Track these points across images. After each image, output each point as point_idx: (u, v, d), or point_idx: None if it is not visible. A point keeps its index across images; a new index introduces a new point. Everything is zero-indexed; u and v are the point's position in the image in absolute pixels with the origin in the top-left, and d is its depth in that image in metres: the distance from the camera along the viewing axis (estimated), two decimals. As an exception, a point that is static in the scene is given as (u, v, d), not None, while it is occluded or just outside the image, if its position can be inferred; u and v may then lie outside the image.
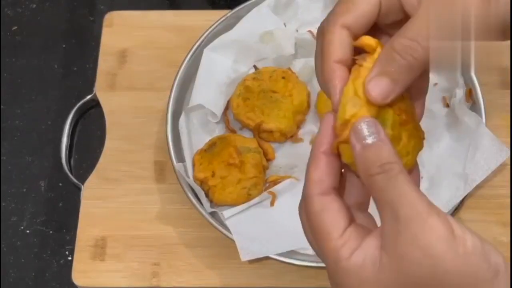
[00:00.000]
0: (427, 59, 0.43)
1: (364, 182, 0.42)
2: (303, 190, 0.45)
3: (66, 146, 0.85)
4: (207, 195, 0.78)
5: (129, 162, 0.84)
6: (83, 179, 0.83)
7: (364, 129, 0.41)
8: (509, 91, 0.85)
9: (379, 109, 0.44)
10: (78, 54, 0.93)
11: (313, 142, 0.46)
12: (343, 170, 0.46)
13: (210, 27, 0.86)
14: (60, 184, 0.85)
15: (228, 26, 0.86)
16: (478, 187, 0.76)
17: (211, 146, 0.80)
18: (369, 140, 0.41)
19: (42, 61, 0.93)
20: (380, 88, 0.43)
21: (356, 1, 0.45)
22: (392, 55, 0.43)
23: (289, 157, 0.82)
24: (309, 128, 0.83)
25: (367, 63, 0.44)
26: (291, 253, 0.74)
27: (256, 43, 0.85)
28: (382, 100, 0.43)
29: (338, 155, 0.45)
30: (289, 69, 0.85)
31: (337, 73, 0.45)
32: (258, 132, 0.81)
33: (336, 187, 0.45)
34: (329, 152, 0.44)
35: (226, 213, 0.77)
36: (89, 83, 0.89)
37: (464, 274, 0.39)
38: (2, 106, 0.90)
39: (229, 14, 0.87)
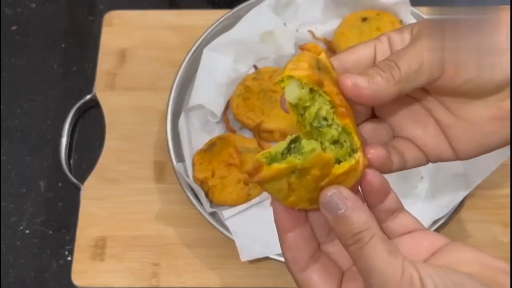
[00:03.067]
0: (403, 88, 0.43)
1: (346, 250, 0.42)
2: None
3: (66, 146, 0.85)
4: (207, 195, 0.78)
5: (129, 162, 0.84)
6: (82, 179, 0.82)
7: (332, 201, 0.41)
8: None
9: (318, 84, 0.42)
10: (78, 54, 0.93)
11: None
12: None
13: (210, 26, 0.86)
14: (60, 184, 0.85)
15: (228, 25, 0.86)
16: (478, 187, 0.76)
17: (211, 146, 0.80)
18: (339, 211, 0.41)
19: (42, 60, 0.93)
20: (355, 79, 0.43)
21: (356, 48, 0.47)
22: (373, 68, 0.44)
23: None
24: (309, 128, 0.83)
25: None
26: (291, 253, 0.74)
27: (256, 43, 0.85)
28: (352, 87, 0.43)
29: (307, 224, 0.45)
30: (289, 69, 0.85)
31: None
32: (258, 132, 0.81)
33: (316, 248, 0.45)
34: (293, 229, 0.44)
35: (226, 213, 0.76)
36: (88, 83, 0.89)
37: None
38: (1, 106, 0.89)
39: (229, 14, 0.87)
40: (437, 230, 0.75)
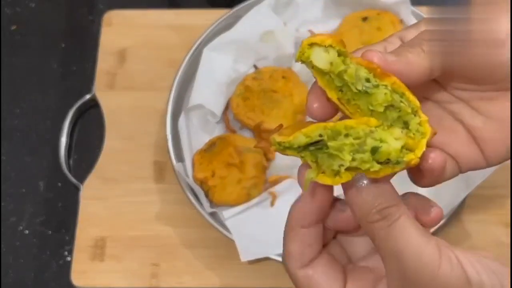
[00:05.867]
0: (431, 63, 0.40)
1: (363, 228, 0.38)
2: (283, 260, 0.41)
3: (65, 146, 0.84)
4: (207, 195, 0.78)
5: (129, 162, 0.83)
6: (82, 179, 0.82)
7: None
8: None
9: (344, 47, 0.37)
10: (77, 54, 0.93)
11: (291, 208, 0.41)
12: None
13: (210, 26, 0.86)
14: (59, 184, 0.84)
15: (228, 25, 0.86)
16: (479, 187, 0.76)
17: (211, 146, 0.80)
18: (363, 182, 0.37)
19: (41, 60, 0.93)
20: (383, 53, 0.39)
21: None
22: (399, 47, 0.41)
23: (290, 157, 0.81)
24: (309, 128, 0.83)
25: None
26: (291, 254, 0.74)
27: (256, 42, 0.84)
28: (379, 62, 0.38)
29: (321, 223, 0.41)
30: (289, 68, 0.85)
31: None
32: (258, 132, 0.81)
33: (322, 246, 0.41)
34: (311, 226, 0.40)
35: (226, 213, 0.76)
36: (88, 83, 0.89)
37: None
38: (1, 106, 0.89)
39: (229, 14, 0.87)
40: (437, 230, 0.75)
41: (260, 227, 0.76)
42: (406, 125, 0.37)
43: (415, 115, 0.37)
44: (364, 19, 0.85)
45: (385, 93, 0.37)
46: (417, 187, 0.42)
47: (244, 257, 0.73)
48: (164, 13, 0.93)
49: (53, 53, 0.93)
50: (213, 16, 0.87)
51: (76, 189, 0.82)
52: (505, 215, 0.79)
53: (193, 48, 0.85)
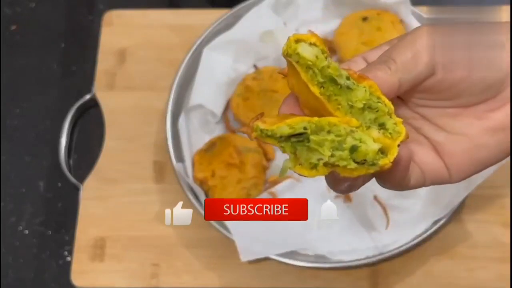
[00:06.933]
0: (402, 78, 0.41)
1: None
2: None
3: (65, 146, 0.84)
4: (207, 195, 0.78)
5: (129, 162, 0.83)
6: (82, 179, 0.82)
7: None
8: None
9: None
10: (77, 54, 0.93)
11: None
12: None
13: (210, 26, 0.86)
14: (59, 184, 0.84)
15: (228, 25, 0.86)
16: (479, 187, 0.76)
17: (211, 146, 0.80)
18: None
19: (41, 60, 0.93)
20: (352, 70, 0.40)
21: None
22: (367, 65, 0.42)
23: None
24: (309, 128, 0.83)
25: None
26: (291, 254, 0.74)
27: (256, 42, 0.84)
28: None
29: None
30: (289, 68, 0.85)
31: None
32: (258, 132, 0.80)
33: None
34: None
35: (226, 213, 0.76)
36: (88, 83, 0.89)
37: None
38: (1, 106, 0.89)
39: (229, 14, 0.87)
40: (437, 230, 0.75)
41: (260, 227, 0.76)
42: (382, 126, 0.40)
43: (390, 117, 0.40)
44: (364, 19, 0.85)
45: (365, 90, 0.39)
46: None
47: (244, 257, 0.73)
48: (164, 13, 0.93)
49: (53, 53, 0.93)
50: (213, 16, 0.87)
51: (76, 189, 0.82)
52: (505, 215, 0.79)
53: (193, 48, 0.85)
